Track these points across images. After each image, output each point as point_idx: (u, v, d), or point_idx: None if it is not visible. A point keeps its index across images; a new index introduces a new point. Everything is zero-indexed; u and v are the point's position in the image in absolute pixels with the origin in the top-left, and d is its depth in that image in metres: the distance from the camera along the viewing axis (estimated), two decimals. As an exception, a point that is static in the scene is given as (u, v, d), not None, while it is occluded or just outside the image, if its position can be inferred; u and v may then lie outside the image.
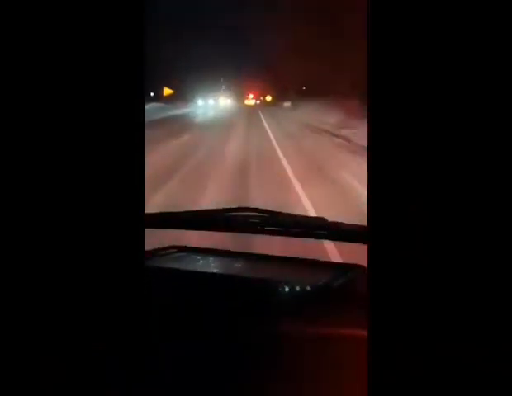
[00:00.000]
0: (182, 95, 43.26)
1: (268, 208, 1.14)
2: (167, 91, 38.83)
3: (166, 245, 1.23)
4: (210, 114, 29.29)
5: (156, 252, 1.15)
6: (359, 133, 9.94)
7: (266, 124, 18.62)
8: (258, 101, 79.01)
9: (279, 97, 45.62)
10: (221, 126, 18.10)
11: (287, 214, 1.16)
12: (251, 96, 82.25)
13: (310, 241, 1.12)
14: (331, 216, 1.11)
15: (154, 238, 1.01)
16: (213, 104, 41.44)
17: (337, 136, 12.41)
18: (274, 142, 11.83)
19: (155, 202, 4.65)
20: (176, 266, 1.08)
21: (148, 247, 0.84)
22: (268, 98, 53.38)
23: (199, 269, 1.11)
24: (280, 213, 1.14)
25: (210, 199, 5.15)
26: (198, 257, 1.21)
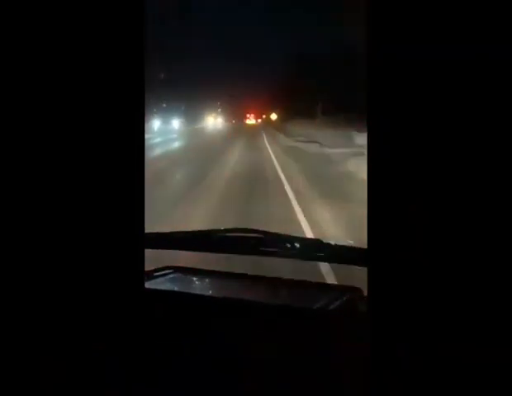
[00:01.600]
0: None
1: None
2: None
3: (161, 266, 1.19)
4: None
5: (151, 273, 1.14)
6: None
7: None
8: (260, 120, 73.99)
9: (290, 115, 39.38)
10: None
11: (284, 235, 1.17)
12: (251, 115, 77.97)
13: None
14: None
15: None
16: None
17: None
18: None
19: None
20: (172, 287, 1.13)
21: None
22: (273, 117, 46.56)
23: (195, 291, 1.15)
24: (276, 234, 1.15)
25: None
26: (194, 279, 1.22)
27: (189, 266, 1.26)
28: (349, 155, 9.85)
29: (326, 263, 1.70)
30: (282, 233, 1.18)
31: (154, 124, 24.46)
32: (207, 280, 1.21)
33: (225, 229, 1.21)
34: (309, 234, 3.94)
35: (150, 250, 0.98)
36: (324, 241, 1.10)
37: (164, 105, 37.74)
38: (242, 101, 76.94)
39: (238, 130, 33.03)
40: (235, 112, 76.37)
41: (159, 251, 1.16)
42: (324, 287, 1.12)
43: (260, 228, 1.14)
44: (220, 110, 68.46)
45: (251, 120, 73.49)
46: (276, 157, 11.46)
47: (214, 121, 43.12)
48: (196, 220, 4.48)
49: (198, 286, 1.20)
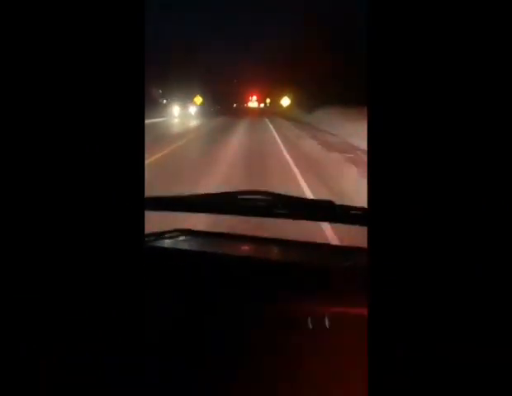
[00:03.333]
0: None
1: None
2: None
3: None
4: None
5: (160, 235, 1.16)
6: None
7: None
8: (262, 105, 62.67)
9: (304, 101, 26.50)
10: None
11: (295, 197, 1.14)
12: (254, 97, 66.83)
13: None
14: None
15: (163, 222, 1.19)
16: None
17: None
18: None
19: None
20: (177, 247, 1.12)
21: (155, 229, 1.06)
22: (285, 102, 33.43)
23: (200, 250, 1.14)
24: (287, 196, 1.12)
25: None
26: (201, 240, 1.24)
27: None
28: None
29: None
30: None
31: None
32: (215, 240, 1.22)
33: (236, 192, 1.14)
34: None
35: (167, 214, 1.08)
36: (336, 202, 1.07)
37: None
38: (247, 81, 65.80)
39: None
40: (238, 95, 66.44)
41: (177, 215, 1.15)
42: (330, 248, 1.15)
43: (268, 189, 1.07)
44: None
45: (253, 103, 63.34)
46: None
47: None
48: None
49: (205, 246, 1.19)
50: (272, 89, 51.25)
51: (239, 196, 1.13)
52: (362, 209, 0.99)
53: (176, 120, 23.78)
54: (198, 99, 32.81)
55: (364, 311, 0.55)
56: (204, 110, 33.30)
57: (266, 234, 1.21)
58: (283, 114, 30.29)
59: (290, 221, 1.08)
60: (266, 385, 0.63)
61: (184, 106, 31.05)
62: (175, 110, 29.44)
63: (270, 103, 58.10)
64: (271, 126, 18.39)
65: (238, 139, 12.21)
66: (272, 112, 36.99)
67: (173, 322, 0.72)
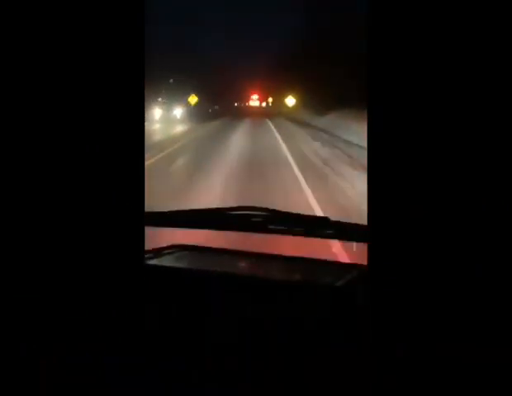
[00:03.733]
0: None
1: None
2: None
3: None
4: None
5: (157, 252, 1.13)
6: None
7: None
8: (264, 104, 60.22)
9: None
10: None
11: (290, 212, 1.13)
12: (255, 96, 64.14)
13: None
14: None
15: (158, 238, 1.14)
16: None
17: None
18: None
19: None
20: (177, 265, 1.11)
21: (151, 246, 1.02)
22: (290, 101, 28.14)
23: (197, 267, 1.12)
24: (283, 212, 1.12)
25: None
26: (199, 256, 1.22)
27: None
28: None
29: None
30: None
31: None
32: (212, 257, 1.20)
33: (233, 207, 1.14)
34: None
35: (165, 230, 1.10)
36: (332, 219, 1.08)
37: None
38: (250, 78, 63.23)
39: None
40: (241, 93, 64.39)
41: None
42: (328, 264, 1.11)
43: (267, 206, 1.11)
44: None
45: (254, 102, 60.42)
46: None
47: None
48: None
49: (202, 263, 1.17)
50: (274, 87, 47.49)
51: (235, 212, 1.13)
52: (358, 226, 0.98)
53: (156, 127, 18.11)
54: (193, 99, 28.60)
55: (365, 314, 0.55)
56: (198, 111, 28.76)
57: (268, 249, 1.18)
58: (289, 116, 25.84)
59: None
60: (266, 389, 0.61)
61: (169, 109, 25.93)
62: (156, 113, 23.89)
63: (272, 103, 54.38)
64: (277, 135, 14.21)
65: (230, 161, 7.97)
66: (276, 113, 32.54)
67: (173, 323, 0.71)
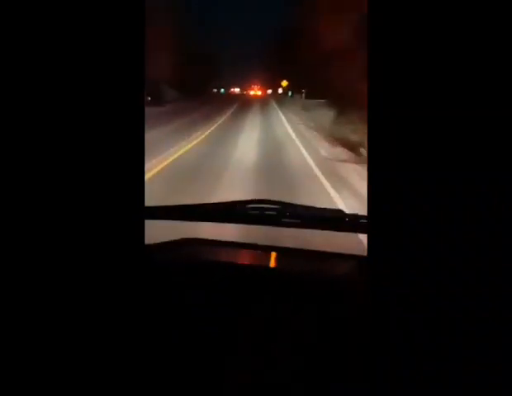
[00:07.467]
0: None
1: None
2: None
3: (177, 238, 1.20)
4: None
5: (167, 245, 1.14)
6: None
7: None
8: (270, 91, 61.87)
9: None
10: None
11: (303, 205, 1.16)
12: (256, 87, 68.07)
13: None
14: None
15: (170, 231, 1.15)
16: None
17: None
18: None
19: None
20: (184, 258, 1.10)
21: (163, 239, 1.08)
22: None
23: (208, 260, 1.10)
24: (296, 204, 1.15)
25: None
26: (210, 250, 1.21)
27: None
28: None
29: None
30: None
31: None
32: (223, 250, 1.21)
33: (245, 201, 1.16)
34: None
35: (179, 224, 1.11)
36: (346, 211, 1.09)
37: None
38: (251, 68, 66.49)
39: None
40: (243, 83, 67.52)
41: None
42: (333, 256, 1.11)
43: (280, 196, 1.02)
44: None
45: (256, 92, 64.41)
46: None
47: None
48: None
49: (212, 256, 1.16)
50: (276, 77, 46.68)
51: (247, 205, 1.14)
52: None
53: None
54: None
55: (365, 313, 0.55)
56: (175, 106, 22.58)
57: (292, 243, 1.20)
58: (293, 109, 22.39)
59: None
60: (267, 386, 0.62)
61: None
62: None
63: (269, 94, 57.10)
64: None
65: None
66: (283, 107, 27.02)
67: (174, 322, 0.72)
